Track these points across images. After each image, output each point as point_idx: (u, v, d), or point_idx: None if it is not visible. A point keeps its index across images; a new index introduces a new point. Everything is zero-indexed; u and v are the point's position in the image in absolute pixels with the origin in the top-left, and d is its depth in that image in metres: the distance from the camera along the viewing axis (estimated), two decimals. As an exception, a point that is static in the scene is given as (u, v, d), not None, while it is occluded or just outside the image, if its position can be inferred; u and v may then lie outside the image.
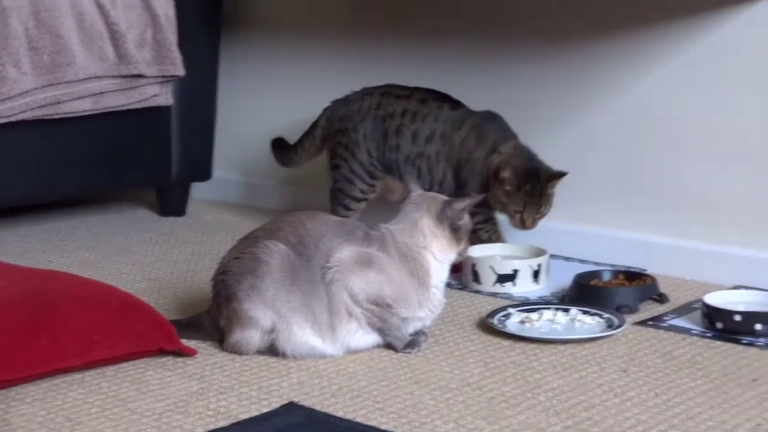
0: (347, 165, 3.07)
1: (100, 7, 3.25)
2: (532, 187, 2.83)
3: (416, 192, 2.39)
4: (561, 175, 2.84)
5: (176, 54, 3.38)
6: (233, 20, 3.75)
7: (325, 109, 3.17)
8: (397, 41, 3.40)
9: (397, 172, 2.99)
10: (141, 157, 3.47)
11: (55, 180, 3.32)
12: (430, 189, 2.88)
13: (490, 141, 2.90)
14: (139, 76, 3.31)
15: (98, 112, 3.28)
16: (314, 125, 3.20)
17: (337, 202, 3.11)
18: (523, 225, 2.86)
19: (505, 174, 2.83)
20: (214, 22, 3.61)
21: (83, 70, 3.20)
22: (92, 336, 2.19)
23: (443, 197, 2.38)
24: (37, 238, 3.30)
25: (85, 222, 3.53)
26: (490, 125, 2.94)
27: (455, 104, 2.99)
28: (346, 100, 3.12)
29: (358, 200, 3.08)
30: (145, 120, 3.43)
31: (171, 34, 3.38)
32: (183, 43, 3.41)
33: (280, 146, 3.34)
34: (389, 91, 3.05)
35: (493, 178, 2.86)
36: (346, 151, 3.07)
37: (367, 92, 3.09)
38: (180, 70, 3.38)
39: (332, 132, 3.12)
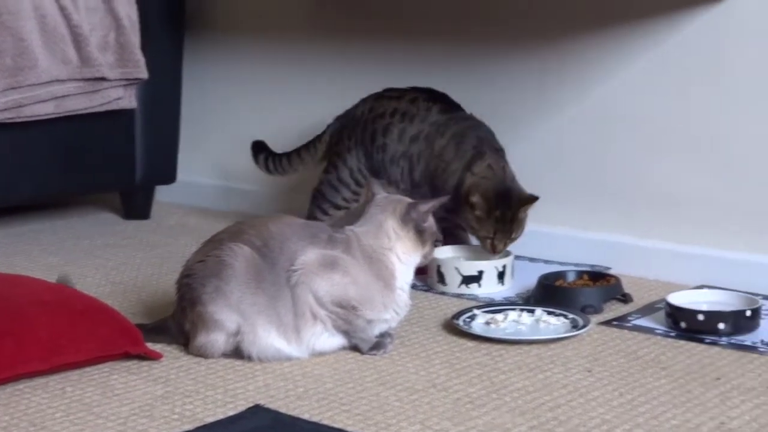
0: (336, 172, 3.05)
1: (63, 10, 3.24)
2: (502, 212, 2.76)
3: (380, 195, 2.39)
4: (533, 199, 2.78)
5: (139, 57, 3.36)
6: (197, 22, 3.74)
7: (329, 125, 3.12)
8: (361, 42, 3.40)
9: (384, 174, 2.97)
10: (105, 161, 3.46)
11: (18, 184, 3.30)
12: (409, 189, 2.88)
13: (467, 155, 2.84)
14: (102, 79, 3.29)
15: (61, 115, 3.27)
16: (318, 138, 3.15)
17: (317, 204, 3.09)
18: (493, 250, 2.79)
19: (475, 199, 2.76)
20: (177, 25, 3.60)
21: (45, 73, 3.18)
22: (57, 340, 2.17)
23: (408, 199, 2.38)
24: (0, 243, 3.28)
25: (49, 226, 3.51)
26: (472, 136, 2.87)
27: (446, 106, 2.94)
28: (346, 114, 3.09)
29: (338, 207, 3.06)
30: (109, 123, 3.41)
31: (134, 37, 3.37)
32: (146, 46, 3.40)
33: (263, 151, 3.29)
34: (382, 94, 3.02)
35: (464, 201, 2.80)
36: (338, 159, 3.05)
37: (363, 100, 3.06)
38: (143, 73, 3.37)
39: (332, 144, 3.09)
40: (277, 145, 3.29)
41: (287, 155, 3.24)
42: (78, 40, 3.25)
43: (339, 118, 3.10)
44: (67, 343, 2.18)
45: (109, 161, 3.47)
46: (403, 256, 2.32)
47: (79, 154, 3.39)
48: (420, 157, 2.90)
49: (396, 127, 2.94)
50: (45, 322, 2.19)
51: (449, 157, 2.87)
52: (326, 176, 3.08)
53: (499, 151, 2.88)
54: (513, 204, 2.77)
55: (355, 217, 2.37)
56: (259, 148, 3.30)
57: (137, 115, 3.48)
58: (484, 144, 2.86)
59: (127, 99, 3.39)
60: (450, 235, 2.91)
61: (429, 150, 2.89)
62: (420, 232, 2.33)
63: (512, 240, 2.81)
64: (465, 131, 2.89)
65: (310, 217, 3.08)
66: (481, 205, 2.77)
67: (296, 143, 3.26)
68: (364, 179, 2.99)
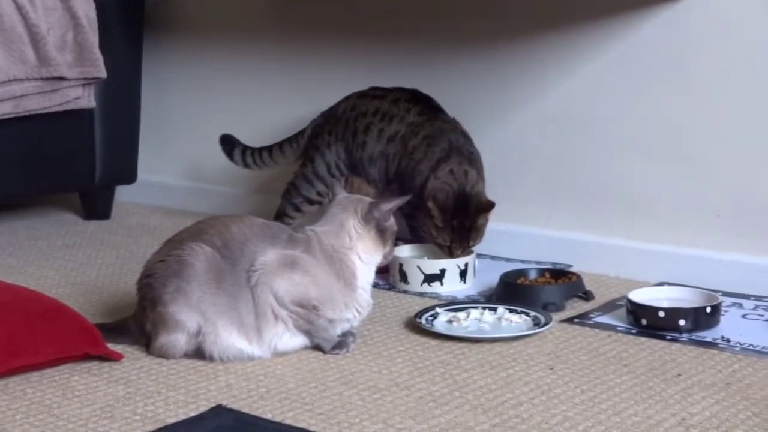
0: (312, 165, 3.03)
1: (20, 9, 3.21)
2: (460, 222, 2.76)
3: (342, 195, 2.38)
4: (490, 207, 2.77)
5: (98, 56, 3.34)
6: (157, 20, 3.72)
7: (312, 120, 3.11)
8: (320, 40, 3.40)
9: (362, 172, 2.96)
10: (64, 161, 3.44)
11: (-24, 185, 3.28)
12: (384, 188, 2.87)
13: (435, 157, 2.84)
14: (61, 78, 3.27)
15: (19, 115, 3.24)
16: (300, 133, 3.13)
17: (289, 199, 3.07)
18: (451, 255, 2.79)
19: (431, 206, 2.76)
20: (136, 23, 3.58)
21: (2, 73, 3.16)
22: (15, 342, 2.15)
23: (368, 199, 2.38)
24: (-42, 244, 3.26)
25: (8, 227, 3.48)
26: (444, 139, 2.86)
27: (426, 109, 2.93)
28: (329, 109, 3.06)
29: (311, 202, 3.04)
30: (68, 123, 3.39)
31: (92, 36, 3.35)
32: (105, 45, 3.38)
33: (236, 145, 3.25)
34: (366, 93, 3.02)
35: (424, 207, 2.79)
36: (316, 152, 3.03)
37: (346, 97, 3.05)
38: (102, 72, 3.35)
39: (311, 138, 3.07)
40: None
41: (268, 149, 3.20)
42: (36, 39, 3.22)
43: (323, 114, 3.09)
44: (25, 345, 2.17)
45: (68, 161, 3.45)
46: (365, 256, 2.32)
47: (37, 154, 3.37)
48: (395, 156, 2.90)
49: (376, 127, 2.94)
50: (3, 324, 2.17)
51: (419, 157, 2.87)
52: (302, 170, 3.06)
53: (471, 155, 2.87)
54: (470, 212, 2.76)
55: (316, 217, 2.36)
56: (229, 143, 3.26)
57: (96, 114, 3.46)
58: (454, 148, 2.86)
59: (85, 98, 3.37)
60: (416, 232, 2.91)
61: (403, 149, 2.89)
62: (381, 231, 2.33)
63: (470, 246, 2.81)
64: (438, 133, 2.88)
65: (281, 212, 3.08)
66: (437, 214, 2.76)
67: (259, 141, 3.25)
68: (341, 175, 2.98)
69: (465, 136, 2.91)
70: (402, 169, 2.89)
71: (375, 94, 3.00)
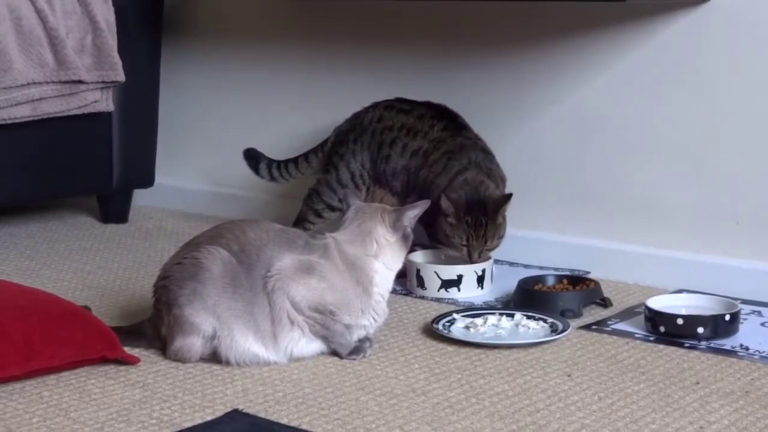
0: (336, 173, 3.03)
1: (39, 12, 3.22)
2: (474, 218, 2.74)
3: (358, 203, 2.38)
4: (506, 199, 2.76)
5: (116, 59, 3.35)
6: (176, 25, 3.73)
7: (337, 127, 3.10)
8: (338, 45, 3.39)
9: (386, 184, 2.96)
10: (82, 164, 3.44)
11: (-6, 187, 3.28)
12: (404, 199, 2.87)
13: (453, 171, 2.84)
14: (79, 81, 3.28)
15: (37, 118, 3.25)
16: (324, 142, 3.12)
17: (310, 205, 3.07)
18: (470, 258, 2.78)
19: (444, 204, 2.74)
20: (154, 27, 3.59)
21: (21, 76, 3.17)
22: (32, 345, 2.16)
23: (387, 206, 2.38)
24: (-25, 247, 3.27)
25: (25, 230, 3.49)
26: (464, 156, 2.85)
27: (450, 125, 2.93)
28: (354, 117, 3.06)
29: (333, 209, 3.03)
30: (86, 126, 3.40)
31: (111, 40, 3.35)
32: (123, 49, 3.39)
33: (261, 159, 3.22)
34: (393, 104, 3.02)
35: (438, 209, 2.77)
36: (340, 160, 3.02)
37: (373, 106, 3.04)
38: (120, 76, 3.36)
39: (336, 144, 3.07)
40: (260, 149, 3.26)
41: (294, 160, 3.19)
42: (54, 42, 3.23)
43: (348, 120, 3.07)
44: (42, 348, 2.17)
45: (86, 165, 3.45)
46: (391, 263, 2.32)
47: (55, 158, 3.37)
48: (416, 169, 2.90)
49: (401, 141, 2.94)
50: (20, 327, 2.17)
51: (437, 171, 2.87)
52: (325, 176, 3.06)
53: (490, 171, 2.86)
54: (489, 209, 2.75)
55: (337, 225, 2.36)
56: (254, 157, 3.23)
57: (114, 118, 3.46)
58: (472, 163, 2.85)
59: (104, 102, 3.38)
60: (434, 238, 2.90)
61: (423, 162, 2.90)
62: (405, 238, 2.33)
63: (488, 249, 2.79)
64: (458, 149, 2.88)
65: (302, 218, 3.07)
66: (451, 211, 2.75)
67: (277, 145, 3.25)
68: (364, 184, 2.98)
69: (486, 152, 2.90)
70: (420, 182, 2.89)
71: (401, 107, 3.00)
